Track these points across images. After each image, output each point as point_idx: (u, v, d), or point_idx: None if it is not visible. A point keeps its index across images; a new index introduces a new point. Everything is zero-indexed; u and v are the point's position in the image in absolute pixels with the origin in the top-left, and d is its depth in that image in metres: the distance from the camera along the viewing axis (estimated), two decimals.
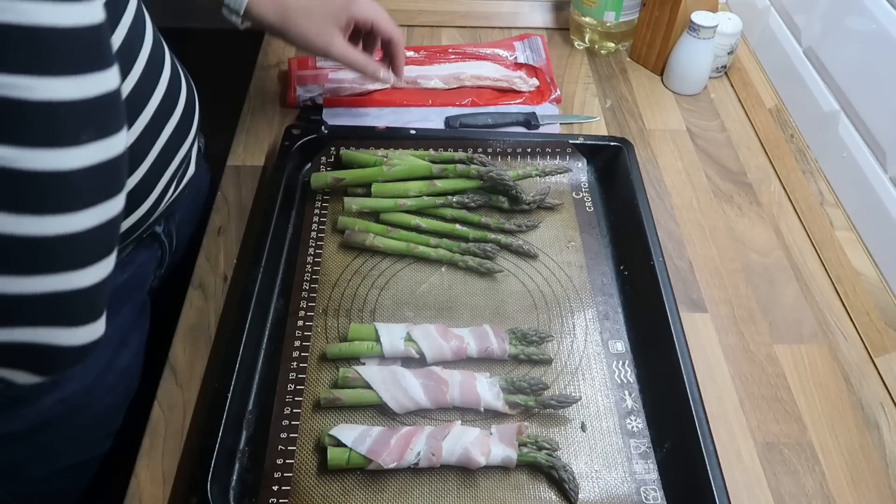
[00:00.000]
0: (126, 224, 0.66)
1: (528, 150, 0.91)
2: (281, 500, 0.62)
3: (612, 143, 0.90)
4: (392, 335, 0.71)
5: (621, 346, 0.74)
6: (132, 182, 0.63)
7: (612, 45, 1.15)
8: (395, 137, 0.90)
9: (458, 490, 0.63)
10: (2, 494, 0.73)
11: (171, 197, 0.72)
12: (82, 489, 0.78)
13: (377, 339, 0.71)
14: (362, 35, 0.85)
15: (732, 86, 1.11)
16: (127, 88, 0.60)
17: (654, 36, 1.09)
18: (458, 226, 0.83)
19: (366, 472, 0.64)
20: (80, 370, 0.68)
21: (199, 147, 0.83)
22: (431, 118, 1.00)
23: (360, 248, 0.81)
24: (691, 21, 1.02)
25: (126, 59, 0.60)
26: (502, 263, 0.81)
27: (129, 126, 0.61)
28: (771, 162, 0.98)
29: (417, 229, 0.83)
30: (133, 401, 0.77)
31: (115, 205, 0.45)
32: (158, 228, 0.77)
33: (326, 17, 0.75)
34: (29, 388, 0.64)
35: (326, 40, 0.76)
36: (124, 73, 0.59)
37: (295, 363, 0.71)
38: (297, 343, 0.73)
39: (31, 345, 0.43)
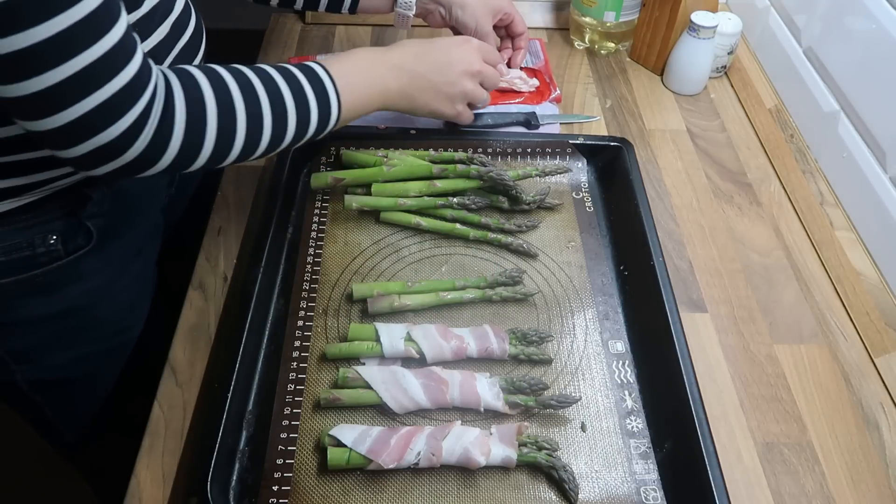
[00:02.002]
0: None
1: (528, 150, 0.91)
2: (281, 500, 0.62)
3: (612, 143, 0.90)
4: (392, 335, 0.71)
5: (621, 346, 0.74)
6: None
7: (612, 45, 1.15)
8: (395, 137, 0.91)
9: (458, 490, 0.63)
10: (19, 381, 0.82)
11: None
12: (87, 381, 0.87)
13: (377, 339, 0.71)
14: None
15: (732, 86, 1.11)
16: (152, 3, 0.69)
17: (654, 36, 1.09)
18: (458, 225, 0.83)
19: (366, 472, 0.64)
20: (102, 267, 0.78)
21: None
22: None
23: (388, 310, 0.75)
24: (691, 21, 1.02)
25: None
26: (502, 264, 0.81)
27: (153, 32, 0.71)
28: (771, 162, 0.98)
29: (418, 228, 0.83)
30: (143, 310, 0.87)
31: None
32: None
33: (487, 6, 0.94)
34: (57, 276, 0.74)
35: (486, 27, 0.94)
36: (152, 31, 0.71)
37: (295, 363, 0.71)
38: (297, 343, 0.73)
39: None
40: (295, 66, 0.71)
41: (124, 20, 0.55)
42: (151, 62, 0.59)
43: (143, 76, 0.57)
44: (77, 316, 0.79)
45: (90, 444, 0.93)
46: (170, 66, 0.63)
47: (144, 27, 0.68)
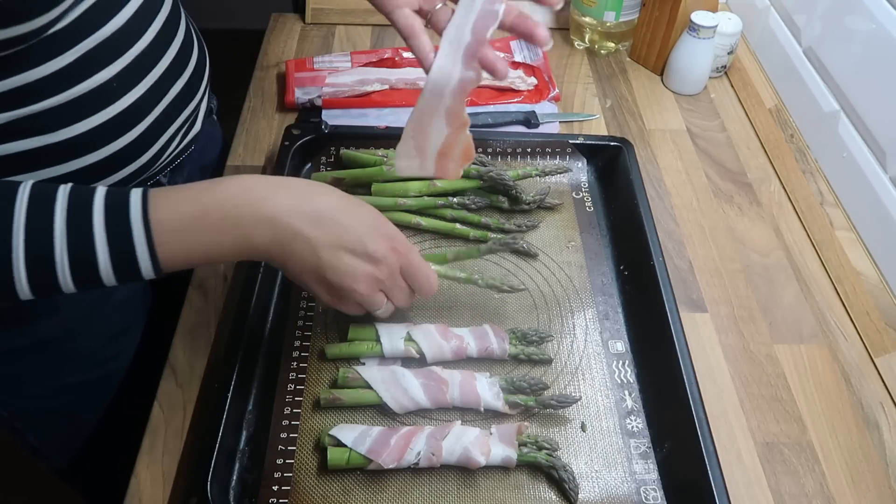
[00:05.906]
0: (126, 171, 0.70)
1: (528, 149, 0.91)
2: (281, 500, 0.62)
3: (611, 143, 0.90)
4: (392, 335, 0.71)
5: (621, 346, 0.74)
6: (134, 134, 0.68)
7: (612, 45, 1.15)
8: (395, 137, 0.90)
9: (458, 490, 0.63)
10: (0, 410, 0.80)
11: (173, 151, 0.77)
12: (70, 412, 0.84)
13: (377, 339, 0.71)
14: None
15: (732, 86, 1.11)
16: (139, 49, 0.66)
17: (654, 36, 1.09)
18: (458, 225, 0.83)
19: (366, 472, 0.64)
20: (79, 298, 0.65)
21: (210, 107, 0.88)
22: None
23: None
24: (691, 21, 1.02)
25: (140, 23, 0.66)
26: (503, 263, 0.81)
27: (139, 82, 0.67)
28: (771, 162, 0.98)
29: (417, 228, 0.83)
30: (129, 336, 0.83)
31: None
32: (164, 179, 0.80)
33: None
34: (26, 308, 0.67)
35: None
36: (139, 36, 0.66)
37: (295, 363, 0.71)
38: (297, 343, 0.73)
39: None
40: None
41: None
42: None
43: None
44: (52, 349, 0.76)
45: (81, 469, 0.91)
46: None
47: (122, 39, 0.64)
